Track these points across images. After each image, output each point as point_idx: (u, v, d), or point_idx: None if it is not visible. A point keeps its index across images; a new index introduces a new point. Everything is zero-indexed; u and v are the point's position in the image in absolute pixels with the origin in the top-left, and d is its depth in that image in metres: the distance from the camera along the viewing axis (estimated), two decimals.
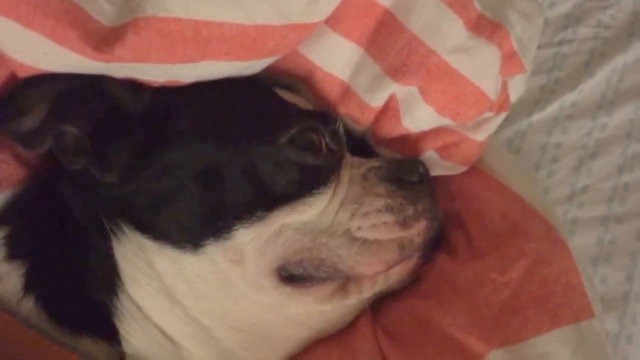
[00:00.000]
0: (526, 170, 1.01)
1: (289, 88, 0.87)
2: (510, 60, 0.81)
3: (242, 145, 0.74)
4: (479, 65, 0.77)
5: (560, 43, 1.20)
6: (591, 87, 1.15)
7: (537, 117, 1.11)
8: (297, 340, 0.79)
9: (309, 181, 0.75)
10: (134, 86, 0.75)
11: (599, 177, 1.06)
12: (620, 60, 1.17)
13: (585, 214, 1.03)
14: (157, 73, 0.75)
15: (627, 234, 1.01)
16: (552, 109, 1.12)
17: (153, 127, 0.75)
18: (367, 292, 0.77)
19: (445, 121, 0.81)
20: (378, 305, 0.81)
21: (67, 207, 0.75)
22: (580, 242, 0.99)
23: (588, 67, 1.17)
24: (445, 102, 0.78)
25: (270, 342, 0.78)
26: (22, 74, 0.74)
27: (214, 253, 0.72)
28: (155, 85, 0.77)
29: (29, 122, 0.72)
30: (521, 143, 1.09)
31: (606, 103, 1.13)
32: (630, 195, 1.04)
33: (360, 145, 0.88)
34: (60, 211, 0.76)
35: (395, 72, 0.76)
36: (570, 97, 1.13)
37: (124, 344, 0.71)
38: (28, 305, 0.71)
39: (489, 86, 0.79)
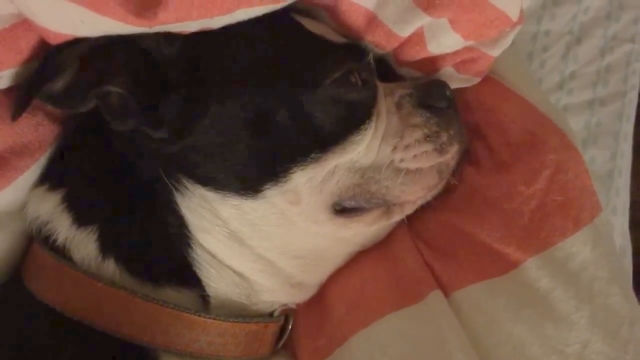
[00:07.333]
0: (529, 71, 1.06)
1: (308, 13, 0.86)
2: None
3: (289, 90, 0.76)
4: None
5: None
6: None
7: (525, 4, 1.14)
8: (345, 256, 0.89)
9: (355, 118, 0.79)
10: (164, 35, 0.74)
11: (585, 62, 1.13)
12: None
13: (574, 100, 1.11)
14: (193, 27, 0.73)
15: (610, 115, 1.12)
16: None
17: (194, 78, 0.75)
18: (409, 211, 0.86)
19: (469, 43, 0.84)
20: (412, 214, 0.88)
21: (122, 165, 0.77)
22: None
23: None
24: (473, 29, 0.81)
25: (323, 261, 0.87)
26: (54, 41, 0.71)
27: (273, 196, 0.77)
28: (185, 33, 0.75)
29: (60, 83, 0.72)
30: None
31: None
32: (612, 77, 1.13)
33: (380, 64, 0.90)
34: (115, 170, 0.77)
35: (428, 5, 0.77)
36: None
37: (206, 289, 0.78)
38: (110, 267, 0.75)
39: (514, 9, 0.81)
